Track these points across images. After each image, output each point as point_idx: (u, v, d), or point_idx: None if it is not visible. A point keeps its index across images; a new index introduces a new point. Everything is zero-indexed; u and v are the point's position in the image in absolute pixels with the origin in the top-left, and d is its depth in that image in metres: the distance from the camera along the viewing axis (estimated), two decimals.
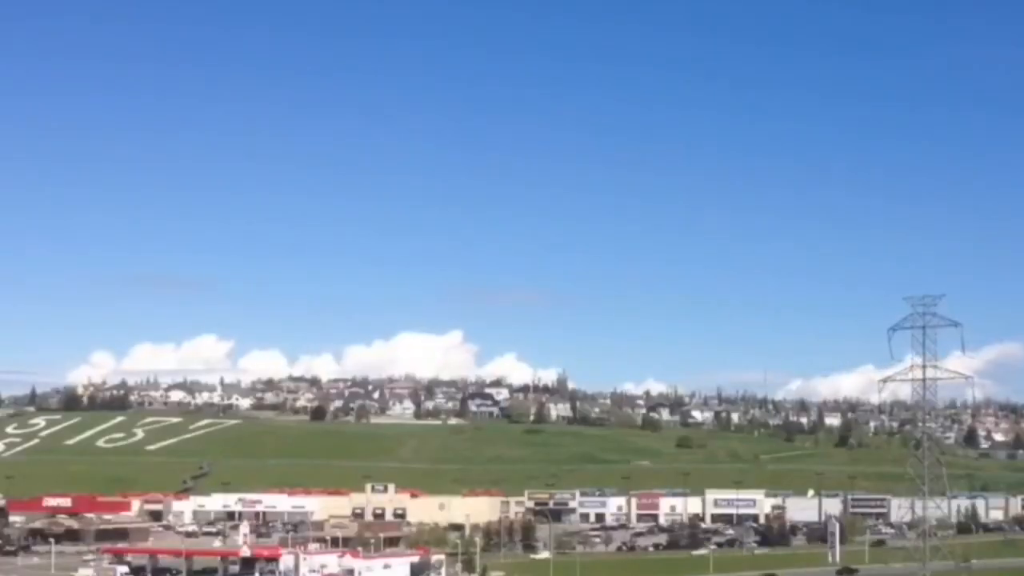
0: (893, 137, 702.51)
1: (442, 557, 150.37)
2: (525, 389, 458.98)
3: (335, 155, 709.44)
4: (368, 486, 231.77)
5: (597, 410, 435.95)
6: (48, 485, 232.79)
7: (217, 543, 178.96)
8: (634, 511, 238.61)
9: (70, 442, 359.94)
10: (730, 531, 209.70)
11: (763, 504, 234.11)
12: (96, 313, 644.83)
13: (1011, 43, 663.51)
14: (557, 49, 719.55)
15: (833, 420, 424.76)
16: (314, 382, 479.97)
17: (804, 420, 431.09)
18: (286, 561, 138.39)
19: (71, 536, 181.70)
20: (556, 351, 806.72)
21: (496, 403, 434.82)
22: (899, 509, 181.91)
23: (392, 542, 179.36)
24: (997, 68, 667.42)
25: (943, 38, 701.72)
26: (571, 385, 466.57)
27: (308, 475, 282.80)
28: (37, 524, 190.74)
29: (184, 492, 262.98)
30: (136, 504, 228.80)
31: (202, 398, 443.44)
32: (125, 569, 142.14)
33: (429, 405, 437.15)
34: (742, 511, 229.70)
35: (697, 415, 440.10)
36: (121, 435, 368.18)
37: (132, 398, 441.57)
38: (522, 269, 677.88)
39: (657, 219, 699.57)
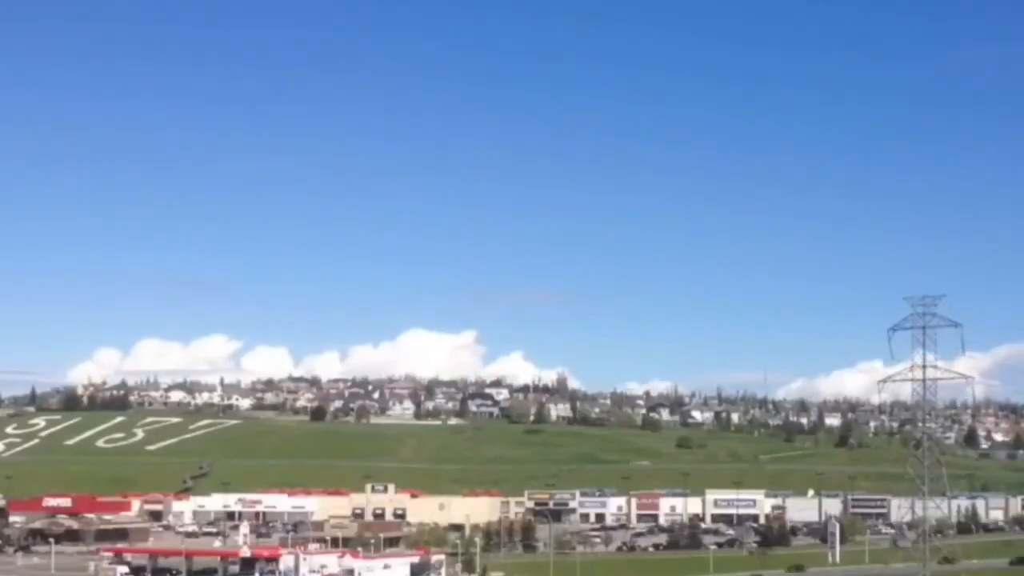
0: (893, 136, 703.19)
1: (442, 557, 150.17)
2: (525, 389, 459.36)
3: (342, 155, 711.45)
4: (368, 486, 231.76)
5: (597, 410, 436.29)
6: (48, 485, 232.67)
7: (217, 543, 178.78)
8: (634, 511, 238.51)
9: (70, 442, 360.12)
10: (730, 531, 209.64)
11: (763, 504, 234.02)
12: (99, 313, 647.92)
13: (1013, 42, 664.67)
14: (560, 49, 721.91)
15: (833, 420, 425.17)
16: (314, 382, 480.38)
17: (804, 420, 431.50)
18: (286, 561, 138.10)
19: (71, 536, 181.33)
20: (562, 351, 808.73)
21: (496, 403, 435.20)
22: (899, 509, 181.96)
23: (392, 542, 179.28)
24: (999, 67, 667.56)
25: (944, 37, 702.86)
26: (571, 385, 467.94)
27: (308, 475, 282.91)
28: (37, 524, 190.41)
29: (184, 492, 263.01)
30: (136, 504, 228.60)
31: (202, 398, 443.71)
32: (125, 569, 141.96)
33: (429, 405, 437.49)
34: (742, 511, 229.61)
35: (697, 415, 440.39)
36: (121, 435, 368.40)
37: (132, 398, 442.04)
38: (528, 269, 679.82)
39: (656, 219, 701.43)
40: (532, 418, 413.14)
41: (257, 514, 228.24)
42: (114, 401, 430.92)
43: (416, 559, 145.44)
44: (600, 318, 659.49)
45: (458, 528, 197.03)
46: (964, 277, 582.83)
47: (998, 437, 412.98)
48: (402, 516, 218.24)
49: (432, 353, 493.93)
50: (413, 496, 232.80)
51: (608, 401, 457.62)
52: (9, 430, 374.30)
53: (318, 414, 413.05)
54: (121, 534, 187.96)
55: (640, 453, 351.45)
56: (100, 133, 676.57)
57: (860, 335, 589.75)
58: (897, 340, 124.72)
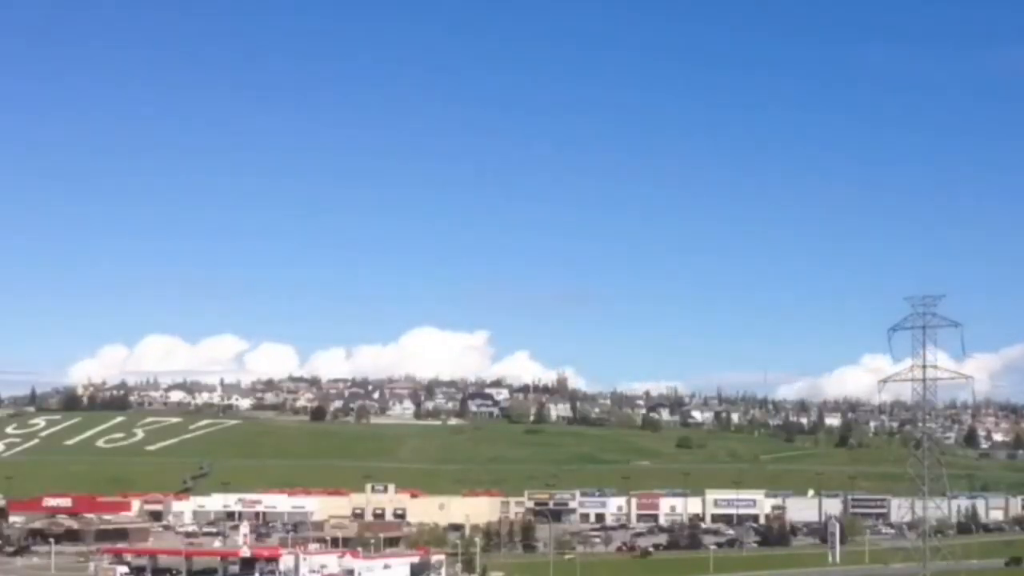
0: (894, 136, 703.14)
1: (442, 557, 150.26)
2: (525, 389, 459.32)
3: (352, 155, 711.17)
4: (368, 486, 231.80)
5: (597, 410, 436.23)
6: (48, 485, 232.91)
7: (217, 543, 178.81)
8: (634, 511, 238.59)
9: (70, 442, 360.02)
10: (730, 531, 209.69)
11: (763, 504, 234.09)
12: (100, 313, 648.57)
13: (1015, 41, 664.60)
14: (571, 41, 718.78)
15: (833, 420, 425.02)
16: (314, 382, 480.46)
17: (804, 420, 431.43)
18: (286, 561, 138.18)
19: (71, 536, 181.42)
20: (567, 351, 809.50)
21: (496, 403, 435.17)
22: (899, 509, 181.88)
23: (392, 542, 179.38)
24: (1002, 65, 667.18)
25: (944, 37, 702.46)
26: (571, 385, 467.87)
27: (308, 475, 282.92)
28: (37, 524, 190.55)
29: (184, 492, 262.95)
30: (136, 504, 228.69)
31: (202, 398, 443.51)
32: (125, 569, 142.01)
33: (429, 405, 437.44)
34: (742, 511, 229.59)
35: (697, 415, 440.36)
36: (121, 435, 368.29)
37: (132, 398, 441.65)
38: (530, 268, 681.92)
39: (656, 219, 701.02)
40: (532, 418, 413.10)
41: (257, 514, 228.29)
42: (114, 401, 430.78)
43: (416, 559, 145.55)
44: (600, 318, 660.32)
45: (458, 528, 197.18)
46: (973, 276, 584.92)
47: (998, 437, 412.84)
48: (402, 516, 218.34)
49: (440, 352, 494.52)
50: (413, 496, 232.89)
51: (608, 401, 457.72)
52: (9, 430, 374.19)
53: (318, 414, 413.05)
54: (121, 534, 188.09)
55: (640, 453, 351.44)
56: (101, 133, 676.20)
57: (860, 335, 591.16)
58: (897, 340, 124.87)
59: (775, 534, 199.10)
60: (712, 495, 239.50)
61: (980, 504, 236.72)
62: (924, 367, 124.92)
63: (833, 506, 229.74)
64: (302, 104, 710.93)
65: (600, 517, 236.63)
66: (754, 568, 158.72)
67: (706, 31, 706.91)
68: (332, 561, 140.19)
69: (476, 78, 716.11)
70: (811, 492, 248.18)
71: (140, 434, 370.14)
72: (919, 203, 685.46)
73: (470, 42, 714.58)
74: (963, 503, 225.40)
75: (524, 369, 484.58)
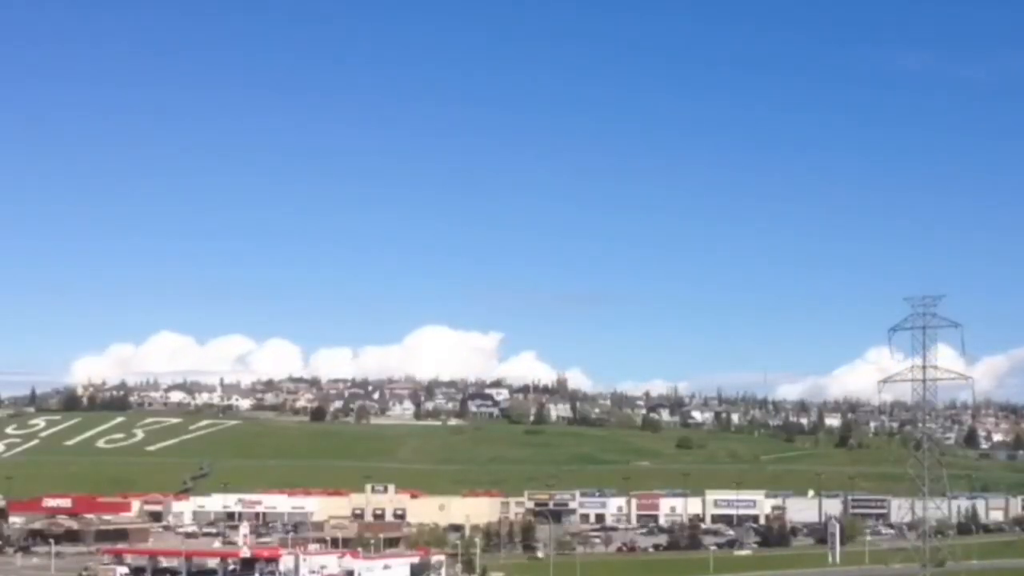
0: (894, 136, 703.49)
1: (442, 558, 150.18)
2: (525, 390, 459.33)
3: (356, 156, 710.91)
4: (368, 487, 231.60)
5: (597, 411, 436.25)
6: (48, 486, 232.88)
7: (217, 544, 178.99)
8: (634, 512, 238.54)
9: (70, 442, 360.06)
10: (730, 532, 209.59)
11: (763, 505, 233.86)
12: (105, 313, 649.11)
13: (1015, 41, 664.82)
14: (574, 44, 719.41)
15: (833, 421, 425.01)
16: (314, 382, 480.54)
17: (804, 421, 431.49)
18: (286, 562, 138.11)
19: (71, 537, 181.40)
20: (570, 351, 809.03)
21: (496, 403, 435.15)
22: (899, 510, 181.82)
23: (392, 543, 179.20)
24: (1001, 66, 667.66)
25: (944, 38, 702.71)
26: (571, 386, 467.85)
27: (308, 475, 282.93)
28: (37, 525, 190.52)
29: (184, 493, 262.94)
30: (136, 505, 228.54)
31: (202, 399, 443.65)
32: (125, 570, 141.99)
33: (429, 406, 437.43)
34: (742, 512, 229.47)
35: (697, 416, 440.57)
36: (121, 435, 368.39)
37: (132, 399, 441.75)
38: (533, 268, 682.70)
39: (656, 219, 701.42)
40: (532, 418, 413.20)
41: (257, 514, 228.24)
42: (114, 401, 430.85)
43: (416, 559, 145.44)
44: (601, 318, 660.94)
45: (458, 528, 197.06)
46: (983, 277, 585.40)
47: (998, 437, 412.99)
48: (402, 516, 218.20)
49: (447, 352, 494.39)
50: (413, 496, 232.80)
51: (608, 401, 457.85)
52: (9, 430, 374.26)
53: (318, 414, 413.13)
54: (121, 535, 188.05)
55: (640, 453, 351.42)
56: (103, 133, 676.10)
57: (861, 335, 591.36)
58: (900, 341, 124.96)
59: (775, 535, 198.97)
60: (712, 495, 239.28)
61: (980, 504, 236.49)
62: (924, 367, 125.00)
63: (833, 506, 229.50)
64: (309, 104, 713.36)
65: (600, 517, 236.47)
66: (754, 568, 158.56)
67: (706, 31, 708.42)
68: (332, 561, 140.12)
69: (485, 77, 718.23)
70: (811, 492, 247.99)
71: (140, 434, 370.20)
72: (921, 203, 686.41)
73: (478, 41, 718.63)
74: (963, 503, 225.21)
75: (531, 369, 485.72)
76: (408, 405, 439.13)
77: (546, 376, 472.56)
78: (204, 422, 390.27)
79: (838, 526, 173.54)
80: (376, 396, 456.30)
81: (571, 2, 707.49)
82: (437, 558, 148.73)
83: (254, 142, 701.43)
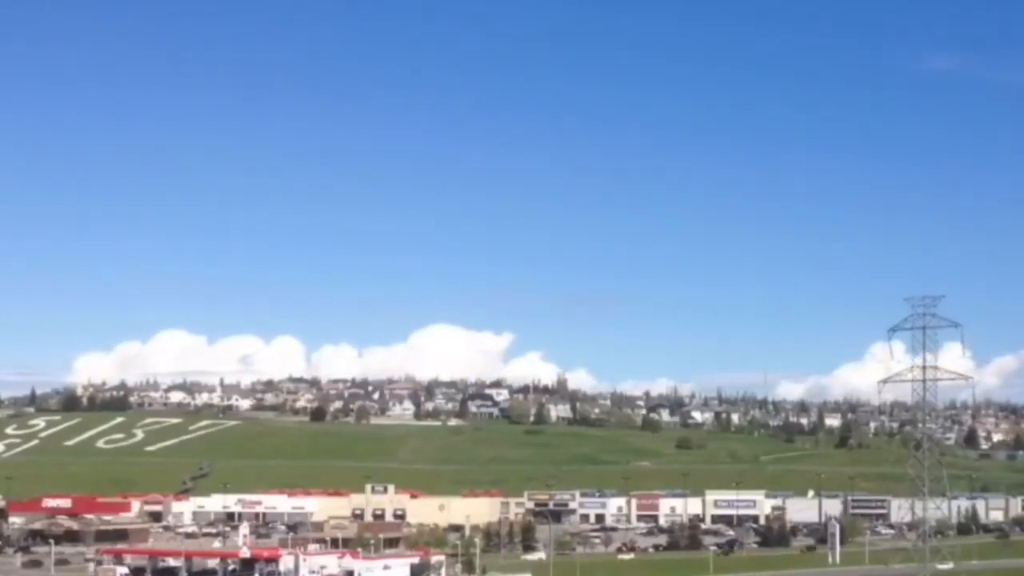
0: (894, 135, 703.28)
1: (442, 558, 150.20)
2: (525, 390, 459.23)
3: (371, 156, 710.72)
4: (368, 487, 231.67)
5: (597, 411, 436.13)
6: (48, 486, 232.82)
7: (217, 544, 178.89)
8: (634, 512, 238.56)
9: (70, 443, 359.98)
10: (730, 532, 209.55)
11: (763, 505, 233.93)
12: (109, 312, 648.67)
13: (1015, 41, 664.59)
14: (579, 44, 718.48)
15: (833, 421, 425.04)
16: (314, 383, 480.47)
17: (804, 421, 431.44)
18: (286, 562, 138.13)
19: (71, 537, 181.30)
20: (575, 352, 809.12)
21: (496, 404, 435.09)
22: (899, 510, 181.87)
23: (392, 543, 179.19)
24: (1000, 66, 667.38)
25: (944, 38, 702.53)
26: (571, 386, 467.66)
27: (308, 476, 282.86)
28: (37, 525, 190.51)
29: (184, 493, 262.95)
30: (136, 505, 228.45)
31: (202, 399, 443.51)
32: (125, 570, 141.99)
33: (429, 406, 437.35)
34: (742, 512, 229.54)
35: (697, 416, 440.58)
36: (121, 436, 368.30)
37: (132, 399, 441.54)
38: (533, 269, 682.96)
39: (656, 219, 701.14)
40: (532, 419, 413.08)
41: (257, 515, 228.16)
42: (114, 402, 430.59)
43: (416, 560, 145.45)
44: (601, 319, 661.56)
45: (458, 529, 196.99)
46: (991, 278, 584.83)
47: (998, 437, 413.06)
48: (402, 517, 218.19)
49: (452, 352, 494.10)
50: (413, 497, 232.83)
51: (608, 402, 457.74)
52: (9, 430, 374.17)
53: (318, 415, 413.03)
54: (121, 535, 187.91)
55: (640, 454, 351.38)
56: (108, 132, 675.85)
57: (862, 335, 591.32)
58: (901, 340, 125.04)
59: (775, 535, 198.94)
60: (712, 496, 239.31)
61: (980, 505, 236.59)
62: (924, 367, 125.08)
63: (833, 507, 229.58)
64: (315, 104, 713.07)
65: (600, 518, 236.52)
66: (754, 569, 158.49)
67: (707, 30, 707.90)
68: (332, 562, 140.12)
69: (492, 78, 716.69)
70: (811, 493, 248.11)
71: (140, 435, 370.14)
72: (931, 203, 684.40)
73: (484, 41, 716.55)
74: (963, 504, 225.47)
75: (536, 370, 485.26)
76: (408, 405, 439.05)
77: (548, 376, 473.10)
78: (204, 422, 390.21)
79: (838, 526, 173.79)
80: (376, 396, 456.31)
81: (576, 2, 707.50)
82: (437, 558, 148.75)
83: (266, 141, 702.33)
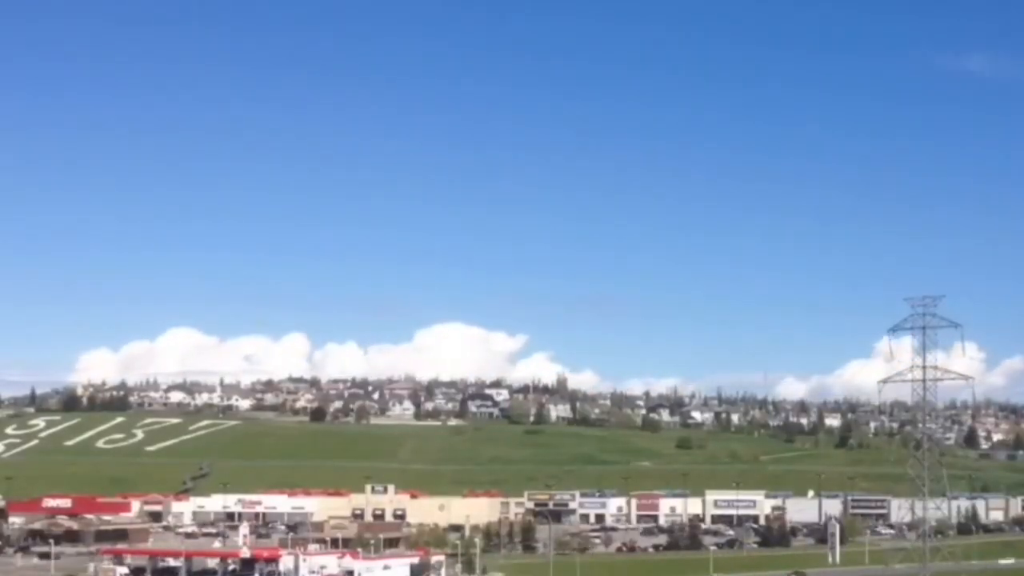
0: (894, 136, 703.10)
1: (442, 558, 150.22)
2: (525, 390, 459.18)
3: (368, 157, 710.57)
4: (368, 487, 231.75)
5: (597, 411, 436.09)
6: (48, 486, 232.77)
7: (217, 544, 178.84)
8: (634, 512, 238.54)
9: (70, 443, 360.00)
10: (730, 532, 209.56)
11: (763, 505, 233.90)
12: (110, 311, 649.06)
13: (1015, 41, 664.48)
14: (581, 51, 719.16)
15: (833, 421, 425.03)
16: (314, 383, 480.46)
17: (804, 421, 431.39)
18: (286, 562, 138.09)
19: (70, 537, 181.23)
20: (581, 352, 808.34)
21: (496, 404, 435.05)
22: (899, 510, 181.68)
23: (392, 543, 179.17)
24: (1001, 66, 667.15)
25: (945, 40, 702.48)
26: (571, 386, 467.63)
27: (308, 476, 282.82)
28: (37, 525, 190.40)
29: (184, 493, 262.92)
30: (136, 505, 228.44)
31: (202, 399, 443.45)
32: (125, 570, 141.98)
33: (429, 406, 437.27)
34: (742, 512, 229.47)
35: (697, 416, 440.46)
36: (121, 436, 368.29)
37: (132, 399, 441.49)
38: (534, 269, 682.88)
39: (656, 219, 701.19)
40: (532, 419, 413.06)
41: (257, 515, 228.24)
42: (114, 402, 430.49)
43: (416, 560, 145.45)
44: (601, 319, 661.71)
45: (458, 529, 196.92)
46: (1000, 280, 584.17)
47: (998, 437, 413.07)
48: (402, 517, 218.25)
49: (460, 352, 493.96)
50: (413, 497, 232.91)
51: (608, 401, 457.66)
52: (9, 430, 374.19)
53: (318, 415, 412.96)
54: (121, 535, 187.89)
55: (640, 454, 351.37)
56: (105, 132, 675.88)
57: (862, 335, 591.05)
58: (902, 340, 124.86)
59: (775, 535, 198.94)
60: (712, 496, 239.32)
61: (980, 505, 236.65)
62: (924, 367, 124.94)
63: (833, 507, 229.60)
64: (322, 104, 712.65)
65: (600, 518, 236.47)
66: (754, 569, 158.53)
67: (707, 39, 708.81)
68: (332, 562, 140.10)
69: (499, 79, 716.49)
70: (811, 493, 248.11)
71: (140, 435, 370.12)
72: (935, 203, 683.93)
73: (481, 45, 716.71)
74: (963, 504, 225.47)
75: (542, 369, 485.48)
76: (408, 405, 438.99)
77: (548, 376, 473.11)
78: (204, 422, 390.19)
79: (838, 526, 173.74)
80: (376, 396, 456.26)
81: (584, 5, 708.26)
82: (437, 558, 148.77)
83: (277, 141, 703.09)
